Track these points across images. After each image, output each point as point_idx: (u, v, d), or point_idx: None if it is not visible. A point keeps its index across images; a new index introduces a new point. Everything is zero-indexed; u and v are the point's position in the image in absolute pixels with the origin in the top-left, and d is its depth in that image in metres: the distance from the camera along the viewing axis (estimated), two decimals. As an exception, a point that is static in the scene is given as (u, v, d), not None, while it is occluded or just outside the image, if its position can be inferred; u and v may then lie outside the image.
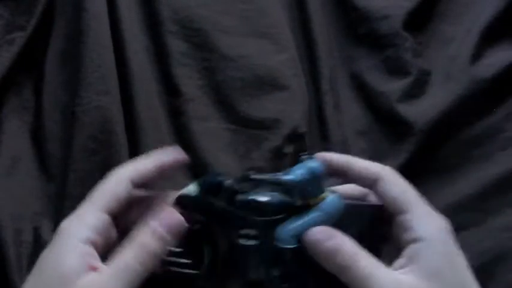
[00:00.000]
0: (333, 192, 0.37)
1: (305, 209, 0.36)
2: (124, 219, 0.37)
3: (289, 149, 0.38)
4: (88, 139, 0.47)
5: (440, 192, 0.49)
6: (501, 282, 0.44)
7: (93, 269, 0.33)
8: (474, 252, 0.45)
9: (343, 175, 0.39)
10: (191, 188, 0.37)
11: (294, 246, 0.36)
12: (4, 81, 0.50)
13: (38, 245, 0.45)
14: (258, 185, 0.37)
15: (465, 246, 0.45)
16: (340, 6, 0.58)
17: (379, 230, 0.37)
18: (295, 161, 0.37)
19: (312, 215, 0.36)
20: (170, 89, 0.52)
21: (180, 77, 0.52)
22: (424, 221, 0.35)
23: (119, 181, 0.37)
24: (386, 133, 0.52)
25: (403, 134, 0.50)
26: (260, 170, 0.46)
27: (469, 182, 0.49)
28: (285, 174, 0.36)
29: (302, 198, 0.36)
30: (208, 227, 0.37)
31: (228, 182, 0.37)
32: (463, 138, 0.51)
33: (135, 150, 0.48)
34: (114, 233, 0.37)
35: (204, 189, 0.37)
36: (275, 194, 0.37)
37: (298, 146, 0.37)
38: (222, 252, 0.38)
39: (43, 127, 0.49)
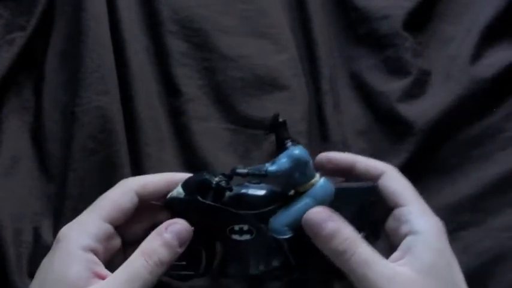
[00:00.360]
0: (324, 176, 0.36)
1: (296, 197, 0.35)
2: (129, 229, 0.37)
3: (271, 138, 0.38)
4: (88, 139, 0.47)
5: (440, 192, 0.49)
6: (501, 282, 0.44)
7: (100, 276, 0.33)
8: (474, 252, 0.45)
9: (347, 173, 0.39)
10: (179, 190, 0.37)
11: (289, 235, 0.35)
12: (4, 81, 0.50)
13: (38, 245, 0.45)
14: (245, 178, 0.36)
15: (465, 246, 0.46)
16: (340, 6, 0.58)
17: (374, 213, 0.37)
18: (280, 149, 0.36)
19: (303, 202, 0.35)
20: (170, 89, 0.52)
21: (180, 77, 0.52)
22: (422, 216, 0.35)
23: (124, 192, 0.37)
24: (386, 133, 0.52)
25: (403, 133, 0.50)
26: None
27: (469, 182, 0.49)
28: (271, 164, 0.35)
29: (291, 187, 0.36)
30: (202, 228, 0.36)
31: (215, 179, 0.36)
32: (463, 138, 0.51)
33: (134, 150, 0.48)
34: (117, 243, 0.37)
35: (191, 189, 0.36)
36: (264, 185, 0.37)
37: (281, 134, 0.37)
38: (220, 251, 0.37)
39: (43, 127, 0.49)
